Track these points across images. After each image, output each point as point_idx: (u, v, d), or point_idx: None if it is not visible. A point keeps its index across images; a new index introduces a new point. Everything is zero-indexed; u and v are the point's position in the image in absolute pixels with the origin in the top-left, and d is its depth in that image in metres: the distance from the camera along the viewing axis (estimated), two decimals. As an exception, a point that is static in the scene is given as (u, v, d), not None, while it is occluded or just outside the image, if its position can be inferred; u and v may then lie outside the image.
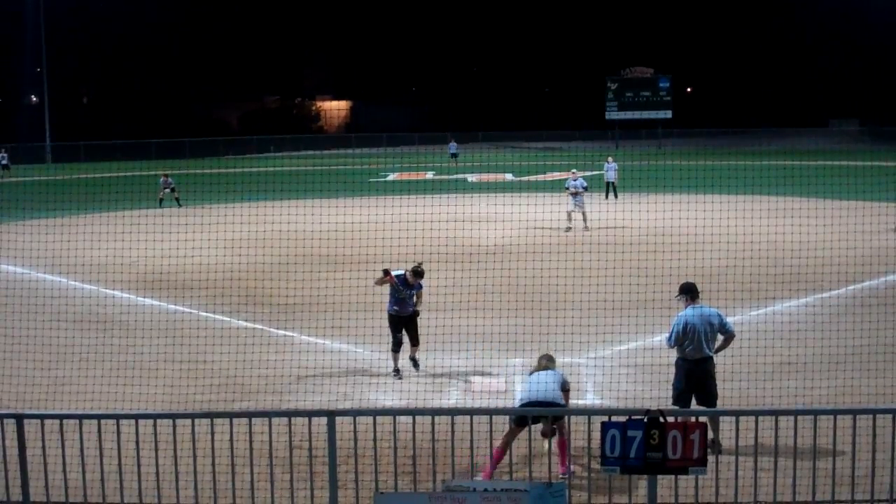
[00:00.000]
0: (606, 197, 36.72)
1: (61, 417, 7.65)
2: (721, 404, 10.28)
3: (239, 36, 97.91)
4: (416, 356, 13.24)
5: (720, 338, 10.18)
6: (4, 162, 46.22)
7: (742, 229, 18.72)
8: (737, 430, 7.33)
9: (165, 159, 64.08)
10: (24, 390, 11.44)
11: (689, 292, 10.18)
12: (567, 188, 28.85)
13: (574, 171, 29.65)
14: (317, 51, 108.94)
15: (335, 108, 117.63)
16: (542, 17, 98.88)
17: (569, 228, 27.77)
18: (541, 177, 49.84)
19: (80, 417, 7.64)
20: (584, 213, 28.17)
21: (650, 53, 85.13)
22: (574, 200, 28.41)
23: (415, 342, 13.21)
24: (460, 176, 51.50)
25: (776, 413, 9.27)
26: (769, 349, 13.00)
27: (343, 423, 7.47)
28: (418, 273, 13.20)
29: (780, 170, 36.90)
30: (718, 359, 12.70)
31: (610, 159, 38.59)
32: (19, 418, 7.54)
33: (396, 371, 13.04)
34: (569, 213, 28.34)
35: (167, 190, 36.99)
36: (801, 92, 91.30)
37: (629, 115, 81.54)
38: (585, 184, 29.03)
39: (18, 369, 11.61)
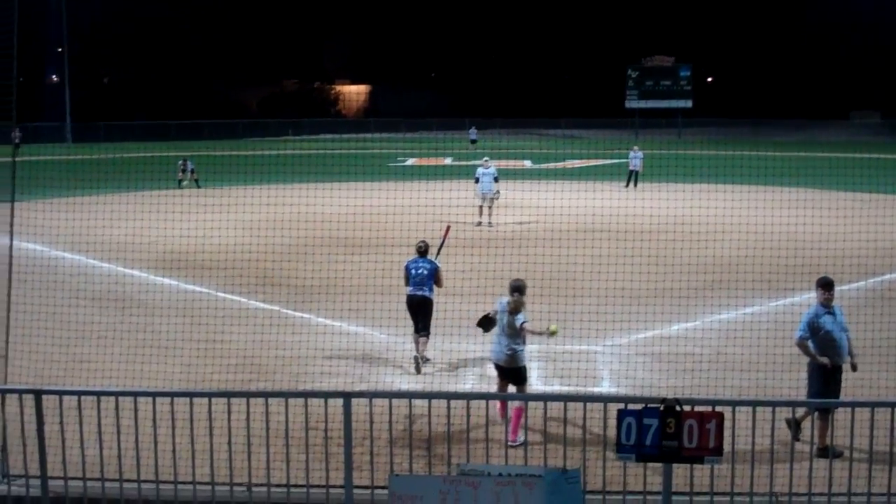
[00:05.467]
0: (627, 185, 36.54)
1: (79, 394, 7.67)
2: (738, 394, 10.25)
3: (259, 19, 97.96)
4: (423, 353, 12.76)
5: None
6: (17, 141, 46.38)
7: (762, 220, 18.61)
8: (753, 420, 7.29)
9: (184, 141, 64.35)
10: (42, 367, 11.52)
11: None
12: (477, 178, 26.96)
13: (486, 158, 28.01)
14: (337, 35, 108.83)
15: (354, 93, 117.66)
16: (564, 4, 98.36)
17: (479, 223, 26.14)
18: (560, 164, 49.71)
19: (99, 394, 7.67)
20: (490, 208, 26.44)
21: (671, 42, 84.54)
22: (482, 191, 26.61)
23: (420, 330, 12.89)
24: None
25: (793, 404, 9.23)
26: (788, 340, 12.90)
27: (359, 405, 7.47)
28: (418, 250, 13.24)
29: (800, 161, 36.63)
30: (737, 349, 12.67)
31: (636, 148, 38.21)
32: (38, 394, 7.58)
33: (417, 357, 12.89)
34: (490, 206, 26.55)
35: (184, 172, 37.21)
36: (823, 83, 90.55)
37: (649, 103, 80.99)
38: (496, 174, 26.96)
39: (38, 346, 11.69)
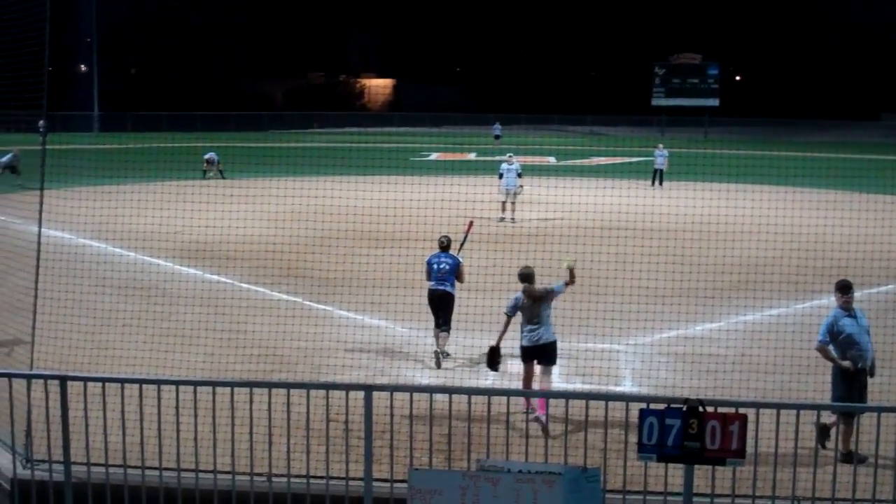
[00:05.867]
0: (652, 184, 36.34)
1: (104, 381, 7.73)
2: (762, 397, 10.16)
3: (286, 11, 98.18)
4: (444, 348, 12.80)
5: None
6: (42, 130, 46.96)
7: (788, 220, 18.43)
8: (777, 423, 7.22)
9: (210, 132, 64.69)
10: (68, 353, 11.59)
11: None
12: (501, 174, 27.06)
13: (510, 154, 28.14)
14: (362, 28, 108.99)
15: (379, 86, 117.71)
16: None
17: (502, 219, 26.32)
18: (584, 161, 49.53)
19: (122, 381, 7.72)
20: (513, 203, 26.56)
21: (699, 40, 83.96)
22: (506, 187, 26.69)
23: (441, 325, 12.89)
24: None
25: (817, 408, 9.12)
26: (813, 343, 12.77)
27: (380, 399, 7.47)
28: (440, 244, 13.25)
29: (828, 162, 36.28)
30: (762, 351, 12.56)
31: (660, 146, 37.98)
32: (63, 380, 7.64)
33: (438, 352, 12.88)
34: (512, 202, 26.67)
35: (209, 164, 37.45)
36: (853, 83, 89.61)
37: (676, 101, 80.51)
38: (520, 170, 27.23)
39: (63, 332, 11.77)
